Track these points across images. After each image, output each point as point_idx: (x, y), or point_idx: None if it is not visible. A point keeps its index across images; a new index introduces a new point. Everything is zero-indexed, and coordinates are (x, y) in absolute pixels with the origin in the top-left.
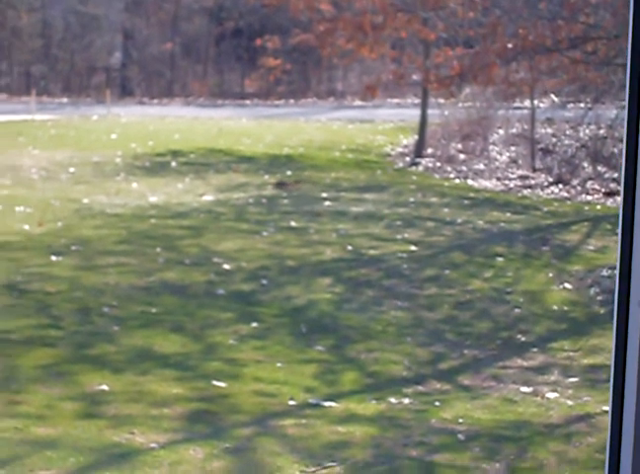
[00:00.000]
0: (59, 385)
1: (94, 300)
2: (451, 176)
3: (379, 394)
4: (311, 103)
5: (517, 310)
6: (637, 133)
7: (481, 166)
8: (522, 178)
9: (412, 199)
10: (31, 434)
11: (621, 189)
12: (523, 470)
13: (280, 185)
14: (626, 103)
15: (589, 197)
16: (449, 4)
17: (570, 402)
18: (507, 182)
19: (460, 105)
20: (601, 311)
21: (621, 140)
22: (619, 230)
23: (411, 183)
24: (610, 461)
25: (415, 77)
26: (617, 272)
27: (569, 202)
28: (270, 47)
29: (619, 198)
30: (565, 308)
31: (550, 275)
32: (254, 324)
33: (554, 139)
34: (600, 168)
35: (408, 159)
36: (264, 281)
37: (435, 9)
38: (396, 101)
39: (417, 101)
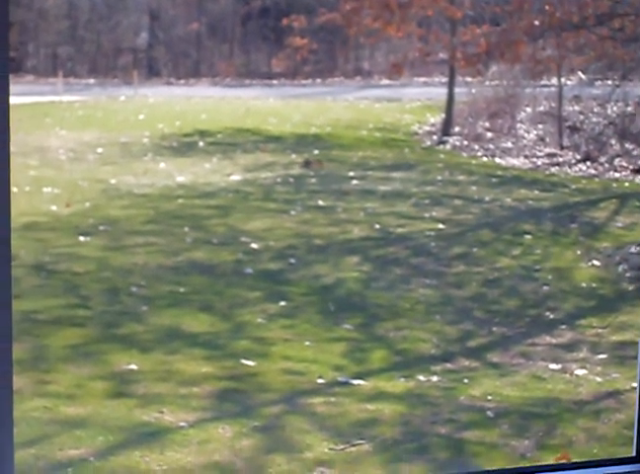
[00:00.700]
0: (88, 365)
1: (122, 280)
2: (479, 154)
3: (408, 372)
4: (338, 82)
5: (545, 288)
6: None
7: (509, 144)
8: (550, 156)
9: (439, 178)
10: (60, 413)
11: None
12: (553, 447)
13: (306, 163)
14: None
15: (616, 175)
16: None
17: (599, 379)
18: (534, 160)
19: (487, 83)
20: (630, 288)
21: None
22: None
23: (438, 161)
24: (639, 438)
25: (442, 55)
26: None
27: (597, 180)
28: (296, 27)
29: None
30: (593, 285)
31: (578, 252)
32: (282, 303)
33: (582, 117)
34: (627, 145)
35: (435, 137)
36: (292, 260)
37: None
38: (423, 79)
39: (444, 79)
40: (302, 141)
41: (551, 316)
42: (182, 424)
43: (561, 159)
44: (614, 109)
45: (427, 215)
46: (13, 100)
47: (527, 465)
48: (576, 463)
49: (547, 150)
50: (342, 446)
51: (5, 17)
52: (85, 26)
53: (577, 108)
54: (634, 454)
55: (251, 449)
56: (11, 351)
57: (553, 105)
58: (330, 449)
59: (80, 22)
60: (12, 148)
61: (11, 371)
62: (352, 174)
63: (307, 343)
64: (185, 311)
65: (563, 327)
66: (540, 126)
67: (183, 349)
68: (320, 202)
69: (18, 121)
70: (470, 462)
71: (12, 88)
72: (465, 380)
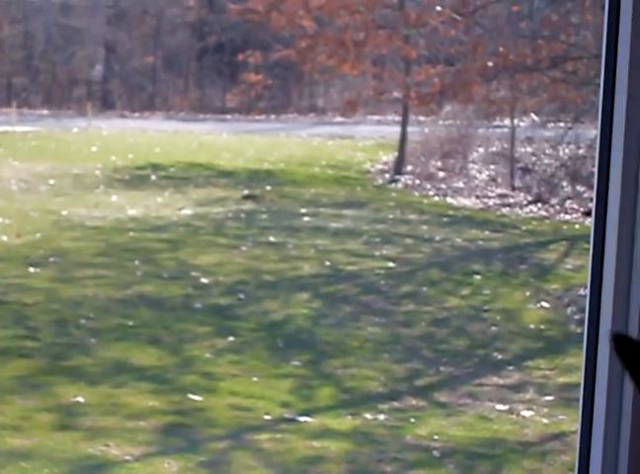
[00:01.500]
0: (35, 396)
1: (71, 312)
2: (431, 193)
3: (355, 410)
4: (292, 118)
5: (493, 328)
6: (609, 154)
7: (460, 184)
8: (502, 196)
9: (391, 216)
10: (6, 444)
11: (592, 212)
12: None
13: (249, 197)
14: (599, 123)
15: (567, 217)
16: (431, 22)
17: (545, 420)
18: (486, 200)
19: (441, 122)
20: (578, 330)
21: None
22: (590, 253)
23: (390, 200)
24: None
25: (396, 94)
26: (587, 294)
27: (547, 221)
28: (251, 63)
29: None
30: (542, 327)
31: (527, 293)
32: (231, 338)
33: (534, 158)
34: (578, 187)
35: (387, 176)
36: (241, 296)
37: (416, 26)
38: (377, 118)
39: (397, 118)
40: (255, 177)
41: (499, 357)
42: (127, 457)
43: (512, 200)
44: (566, 151)
45: (377, 253)
46: None
47: None
48: None
49: (499, 191)
50: None
51: None
52: (40, 56)
53: (529, 149)
54: None
55: None
56: None
57: (505, 146)
58: None
59: (35, 52)
60: None
61: None
62: (303, 210)
63: (255, 379)
64: (133, 345)
65: (510, 368)
66: (492, 167)
67: (130, 382)
68: (271, 238)
69: None
70: None
71: None
72: (412, 419)
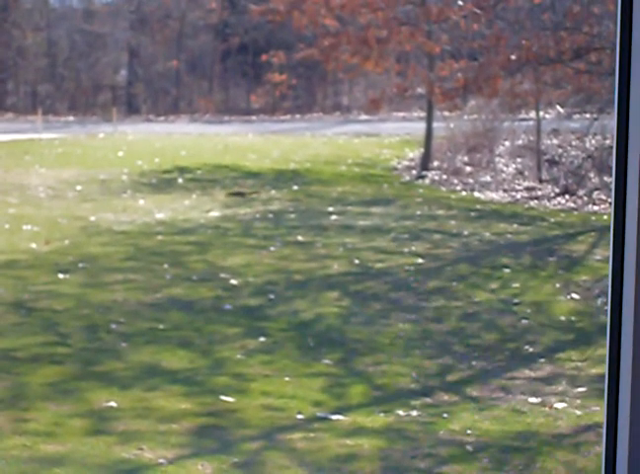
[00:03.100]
0: (67, 402)
1: (101, 317)
2: (458, 188)
3: (387, 407)
4: (317, 117)
5: (524, 321)
6: (627, 143)
7: (487, 178)
8: (529, 189)
9: (418, 212)
10: (39, 451)
11: (612, 201)
12: None
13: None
14: (615, 113)
15: (595, 208)
16: (453, 17)
17: (578, 412)
18: (513, 193)
19: (466, 117)
20: None
21: None
22: (610, 244)
23: (417, 196)
24: (607, 470)
25: (420, 90)
26: (610, 282)
27: (575, 213)
28: (275, 63)
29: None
30: (572, 318)
31: (557, 285)
32: (261, 338)
33: (560, 150)
34: (606, 178)
35: (414, 172)
36: (271, 296)
37: (438, 22)
38: (402, 114)
39: (422, 114)
40: (281, 177)
41: (530, 350)
42: (161, 460)
43: (540, 192)
44: (593, 142)
45: (406, 250)
46: None
47: None
48: None
49: (526, 184)
50: None
51: None
52: (64, 63)
53: (555, 141)
54: None
55: None
56: None
57: (532, 138)
58: None
59: (59, 59)
60: None
61: None
62: (331, 209)
63: (286, 378)
64: (164, 348)
65: (542, 360)
66: (519, 160)
67: (162, 385)
68: (299, 238)
69: None
70: None
71: None
72: (445, 415)
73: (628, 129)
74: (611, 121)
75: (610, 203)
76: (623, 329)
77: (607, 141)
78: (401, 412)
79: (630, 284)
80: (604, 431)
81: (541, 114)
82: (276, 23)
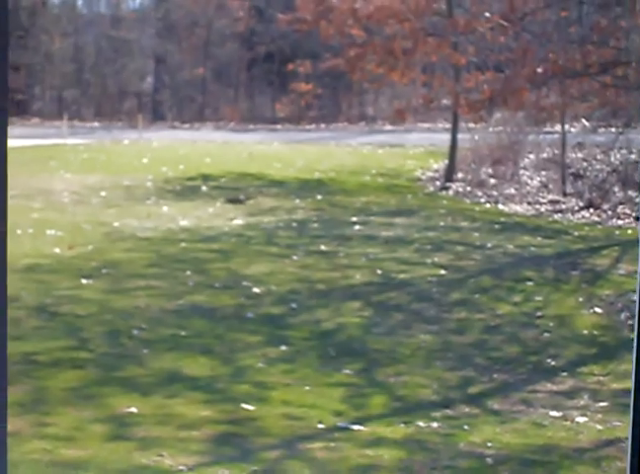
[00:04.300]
0: (88, 407)
1: (123, 323)
2: (482, 200)
3: (408, 418)
4: (342, 127)
5: (546, 334)
6: None
7: (512, 190)
8: (553, 202)
9: (442, 224)
10: (60, 455)
11: (639, 215)
12: None
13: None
14: None
15: (619, 222)
16: (479, 28)
17: (599, 426)
18: (537, 206)
19: (491, 129)
20: (631, 336)
21: None
22: (639, 259)
23: (441, 207)
24: None
25: (445, 101)
26: (637, 296)
27: (600, 227)
28: (301, 72)
29: None
30: (595, 332)
31: (580, 299)
32: (283, 347)
33: (585, 164)
34: (630, 192)
35: (438, 183)
36: (293, 305)
37: (465, 33)
38: (426, 125)
39: (447, 125)
40: (305, 186)
41: (552, 363)
42: (181, 467)
43: (564, 206)
44: (618, 156)
45: (428, 261)
46: (18, 142)
47: None
48: None
49: (550, 197)
50: None
51: (4, 61)
52: (91, 69)
53: (580, 155)
54: None
55: None
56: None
57: (556, 152)
58: None
59: (86, 65)
60: (16, 191)
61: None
62: (354, 219)
63: (307, 387)
64: (185, 355)
65: (564, 374)
66: (543, 173)
67: (183, 392)
68: (322, 247)
69: (22, 164)
70: None
71: (18, 130)
72: (465, 427)
73: None
74: (637, 136)
75: (637, 218)
76: None
77: (633, 155)
78: (421, 423)
79: None
80: (629, 446)
81: (567, 127)
82: (302, 32)
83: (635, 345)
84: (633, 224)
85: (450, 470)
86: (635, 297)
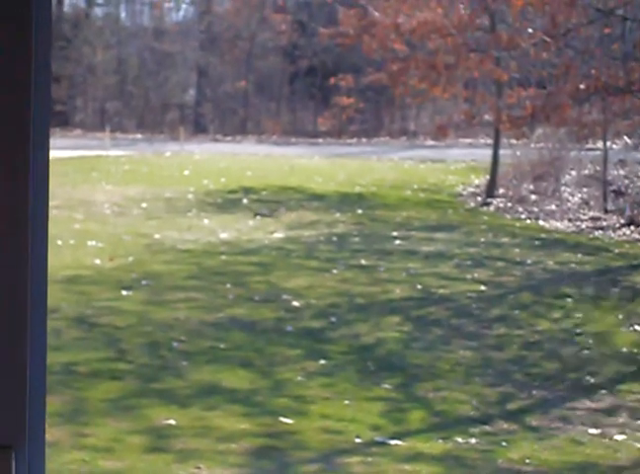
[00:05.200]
0: (127, 418)
1: (163, 335)
2: (523, 216)
3: (446, 433)
4: (383, 142)
5: (585, 351)
6: None
7: (553, 207)
8: (594, 219)
9: (482, 239)
10: (98, 466)
11: None
12: None
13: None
14: None
15: None
16: (522, 44)
17: (638, 444)
18: (578, 223)
19: (532, 145)
20: None
21: None
22: None
23: (482, 223)
24: None
25: (487, 117)
26: None
27: None
28: (343, 86)
29: None
30: (634, 350)
31: (620, 316)
32: (322, 361)
33: (627, 181)
34: None
35: (479, 199)
36: (333, 319)
37: (507, 49)
38: (468, 141)
39: (489, 141)
40: (346, 200)
41: (591, 380)
42: None
43: (605, 223)
44: None
45: (468, 277)
46: (61, 153)
47: None
48: None
49: (591, 214)
50: None
51: (47, 72)
52: (133, 81)
53: (622, 172)
54: None
55: None
56: (45, 400)
57: (598, 168)
58: None
59: (128, 77)
60: (58, 201)
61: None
62: (395, 234)
63: (346, 402)
64: (224, 367)
65: (603, 392)
66: (585, 190)
67: (221, 404)
68: (363, 262)
69: (64, 175)
70: None
71: (60, 141)
72: (503, 443)
73: None
74: None
75: None
76: None
77: None
78: (460, 439)
79: None
80: None
81: (608, 144)
82: (345, 46)
83: None
84: None
85: None
86: None
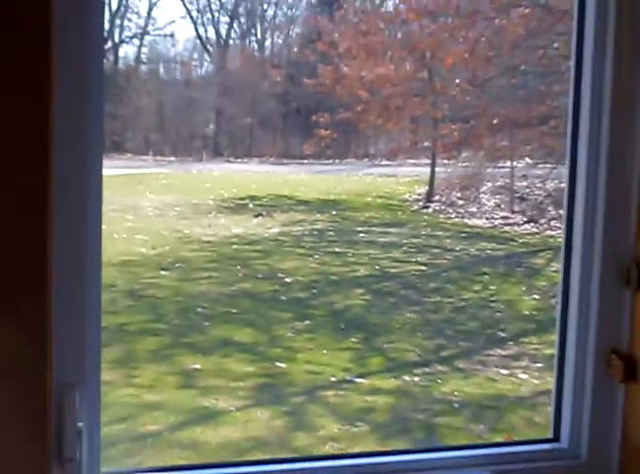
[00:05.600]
0: (164, 364)
1: (191, 303)
2: (452, 216)
3: (397, 373)
4: (351, 162)
5: (498, 314)
6: (574, 186)
7: (474, 209)
8: (504, 218)
9: (423, 233)
10: (143, 399)
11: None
12: (500, 430)
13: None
14: (567, 164)
15: (552, 232)
16: (451, 91)
17: (536, 381)
18: (492, 221)
19: (459, 164)
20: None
21: None
22: (561, 257)
23: (423, 221)
24: (554, 422)
25: (427, 144)
26: (560, 285)
27: (538, 236)
28: (322, 122)
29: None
30: (533, 313)
31: (523, 288)
32: (307, 322)
33: (528, 190)
34: (561, 211)
35: (421, 203)
36: (314, 291)
37: (441, 94)
38: (413, 161)
39: (428, 161)
40: (324, 205)
41: (502, 335)
42: (231, 408)
43: (512, 221)
44: (551, 185)
45: (413, 260)
46: (115, 171)
47: (480, 443)
48: (506, 443)
49: (502, 214)
50: (347, 427)
51: (100, 111)
52: (169, 119)
53: (524, 183)
54: (551, 436)
55: (281, 428)
56: (100, 351)
57: (507, 181)
58: (338, 429)
59: (165, 116)
60: (114, 206)
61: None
62: (359, 229)
63: (324, 351)
64: (236, 326)
65: (511, 343)
66: (497, 196)
67: (233, 353)
68: (336, 249)
69: (118, 186)
70: (439, 440)
71: (114, 163)
72: (438, 380)
73: (576, 177)
74: (565, 170)
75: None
76: None
77: (562, 184)
78: (407, 377)
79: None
80: (554, 394)
81: (515, 163)
82: (323, 93)
83: (558, 322)
84: (562, 234)
85: (427, 412)
86: (559, 286)
